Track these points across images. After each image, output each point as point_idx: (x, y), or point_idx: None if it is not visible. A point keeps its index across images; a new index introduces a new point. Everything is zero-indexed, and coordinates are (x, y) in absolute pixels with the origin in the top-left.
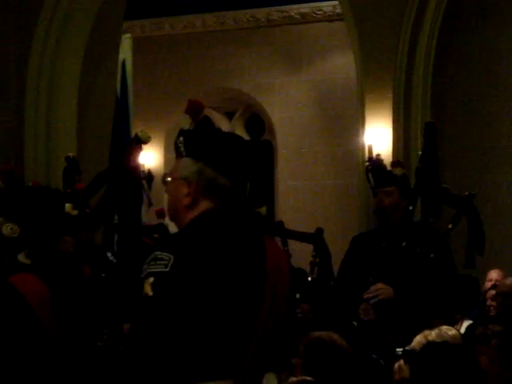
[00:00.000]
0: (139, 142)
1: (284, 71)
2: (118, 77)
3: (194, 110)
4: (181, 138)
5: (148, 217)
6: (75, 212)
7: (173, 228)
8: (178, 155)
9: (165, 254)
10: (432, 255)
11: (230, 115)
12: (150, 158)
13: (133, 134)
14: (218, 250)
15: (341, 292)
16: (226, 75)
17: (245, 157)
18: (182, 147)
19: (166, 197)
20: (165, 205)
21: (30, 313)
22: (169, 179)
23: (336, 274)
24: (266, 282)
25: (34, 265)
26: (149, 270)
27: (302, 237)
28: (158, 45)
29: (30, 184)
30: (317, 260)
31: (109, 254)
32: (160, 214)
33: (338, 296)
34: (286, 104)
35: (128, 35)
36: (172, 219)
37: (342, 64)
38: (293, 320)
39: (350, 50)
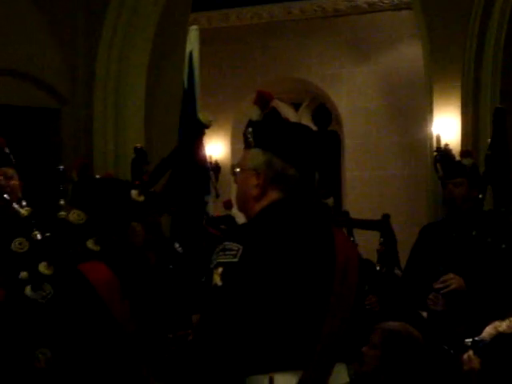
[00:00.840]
0: (201, 126)
1: (351, 61)
2: (185, 68)
3: (263, 100)
4: (249, 129)
5: (215, 208)
6: (141, 198)
7: (240, 219)
8: (247, 146)
9: (234, 244)
10: (503, 246)
11: (296, 106)
12: (217, 149)
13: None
14: (287, 240)
15: (410, 282)
16: (293, 66)
17: (313, 147)
18: (250, 138)
19: (233, 188)
20: (232, 196)
21: (99, 301)
22: (237, 170)
23: (404, 264)
24: (335, 272)
25: (103, 252)
26: (218, 261)
27: (368, 224)
28: (224, 36)
29: (100, 176)
30: (384, 248)
31: (176, 245)
32: (227, 205)
33: (407, 286)
34: (353, 94)
35: (195, 27)
36: (240, 210)
37: (409, 53)
38: (362, 310)
39: (418, 39)
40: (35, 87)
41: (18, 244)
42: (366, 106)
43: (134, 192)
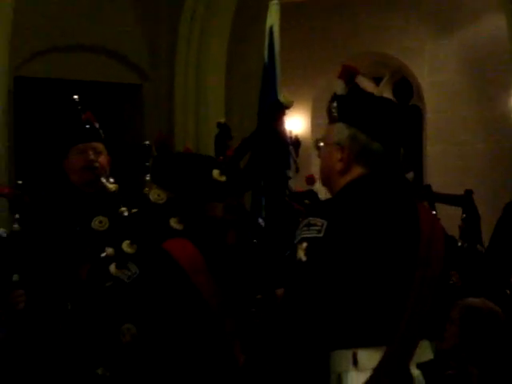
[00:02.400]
0: (282, 107)
1: (432, 34)
2: (266, 43)
3: (348, 74)
4: (334, 104)
5: (295, 183)
6: (223, 178)
7: (322, 195)
8: (331, 120)
9: (318, 219)
10: None
11: (377, 80)
12: (297, 123)
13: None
14: (372, 215)
15: (494, 259)
16: (374, 39)
17: (398, 122)
18: (335, 112)
19: (313, 163)
20: (312, 171)
21: (184, 278)
22: (321, 144)
23: (488, 241)
24: (419, 247)
25: (186, 230)
26: (302, 236)
27: (450, 199)
28: (304, 10)
29: (180, 151)
30: (466, 224)
31: (260, 220)
32: (310, 180)
33: (491, 263)
34: (435, 68)
35: (275, 1)
36: (324, 184)
37: (492, 26)
38: (446, 287)
39: (501, 11)
40: (118, 63)
41: (97, 222)
42: (448, 79)
43: (215, 172)
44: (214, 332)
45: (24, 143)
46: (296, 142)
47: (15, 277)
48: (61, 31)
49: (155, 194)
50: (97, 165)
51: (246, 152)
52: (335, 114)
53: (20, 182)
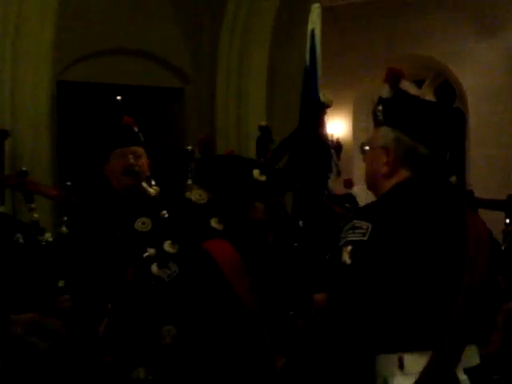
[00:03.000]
0: (322, 106)
1: (475, 36)
2: (307, 46)
3: (394, 78)
4: (379, 107)
5: (335, 186)
6: (263, 178)
7: (361, 198)
8: (377, 124)
9: (363, 222)
10: None
11: (419, 83)
12: (339, 127)
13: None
14: (417, 218)
15: None
16: (415, 42)
17: (444, 125)
18: (380, 116)
19: (355, 166)
20: (353, 175)
21: (223, 279)
22: (367, 148)
23: None
24: (466, 251)
25: (226, 231)
26: (347, 239)
27: (492, 204)
28: (346, 13)
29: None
30: (510, 228)
31: (300, 223)
32: (348, 183)
33: None
34: (478, 70)
35: (317, 5)
36: (370, 188)
37: None
38: (494, 291)
39: None
40: (160, 67)
41: (141, 224)
42: (491, 81)
43: (255, 171)
44: (250, 334)
45: (67, 148)
46: (337, 146)
47: (61, 283)
48: (103, 36)
49: (197, 194)
50: (137, 169)
51: (285, 152)
52: (380, 118)
53: (69, 183)
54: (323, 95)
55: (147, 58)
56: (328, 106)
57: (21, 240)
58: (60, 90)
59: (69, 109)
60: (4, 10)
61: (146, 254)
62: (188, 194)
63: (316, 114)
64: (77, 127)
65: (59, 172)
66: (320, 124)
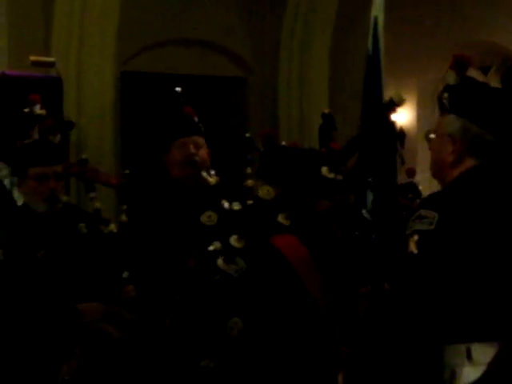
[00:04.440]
0: (393, 105)
1: None
2: (370, 34)
3: (461, 65)
4: (445, 94)
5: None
6: (331, 175)
7: (423, 187)
8: (443, 111)
9: (430, 211)
10: None
11: (484, 70)
12: (402, 115)
13: (384, 92)
14: (485, 208)
15: None
16: (481, 28)
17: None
18: (446, 103)
19: (419, 155)
20: (417, 163)
21: (292, 274)
22: (432, 136)
23: None
24: None
25: (294, 226)
26: (414, 228)
27: None
28: (408, 0)
29: (286, 144)
30: None
31: (364, 212)
32: (410, 172)
33: None
34: None
35: None
36: (435, 176)
37: None
38: None
39: None
40: (223, 57)
41: (207, 217)
42: None
43: (324, 169)
44: (319, 326)
45: (131, 137)
46: (401, 134)
47: (125, 274)
48: (167, 26)
49: (264, 190)
50: (197, 158)
51: (355, 150)
52: (446, 105)
53: (127, 171)
54: (395, 93)
55: (210, 48)
56: (399, 105)
57: (84, 230)
58: (124, 80)
59: (132, 99)
60: (69, 3)
61: (212, 248)
62: (248, 183)
63: (386, 111)
64: (140, 117)
65: (123, 162)
66: (389, 123)
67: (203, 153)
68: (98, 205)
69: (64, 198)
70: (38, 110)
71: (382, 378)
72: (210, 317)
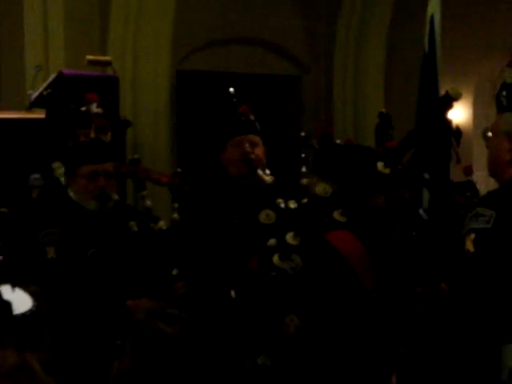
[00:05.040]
0: (449, 100)
1: None
2: (426, 32)
3: None
4: (503, 92)
5: (454, 174)
6: (387, 170)
7: (481, 185)
8: (500, 109)
9: (486, 210)
10: None
11: None
12: (459, 113)
13: (440, 90)
14: None
15: None
16: None
17: None
18: (504, 101)
19: (475, 153)
20: (473, 161)
21: (349, 271)
22: (489, 134)
23: None
24: None
25: (349, 223)
26: (470, 227)
27: None
28: None
29: (341, 142)
30: None
31: (420, 211)
32: (467, 171)
33: None
34: None
35: None
36: (492, 175)
37: None
38: None
39: None
40: (277, 56)
41: (265, 216)
42: None
43: (380, 164)
44: (374, 324)
45: (186, 136)
46: (457, 132)
47: (175, 271)
48: (221, 25)
49: (321, 188)
50: (253, 157)
51: (410, 146)
52: (504, 103)
53: (179, 169)
54: (451, 88)
55: (264, 47)
56: (456, 100)
57: (134, 228)
58: (179, 79)
59: (188, 98)
60: (125, 2)
61: (268, 244)
62: (303, 182)
63: (443, 107)
64: (196, 116)
65: (178, 161)
66: (445, 118)
67: (259, 151)
68: (148, 203)
69: (115, 197)
70: (94, 108)
71: (439, 378)
72: (266, 314)
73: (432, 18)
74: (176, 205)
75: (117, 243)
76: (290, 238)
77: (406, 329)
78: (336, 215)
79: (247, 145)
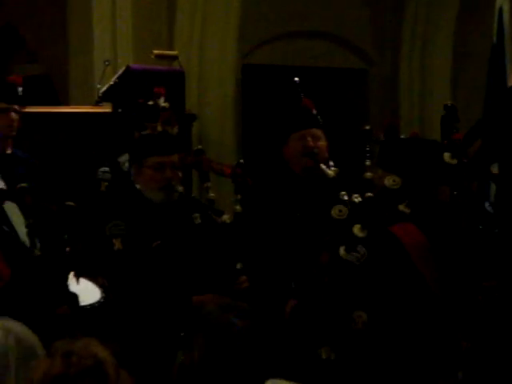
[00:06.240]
0: None
1: None
2: (495, 24)
3: None
4: None
5: None
6: (454, 161)
7: None
8: None
9: None
10: None
11: None
12: None
13: (509, 81)
14: None
15: None
16: None
17: None
18: None
19: None
20: None
21: (410, 263)
22: None
23: None
24: None
25: (414, 214)
26: None
27: None
28: None
29: (406, 136)
30: None
31: (486, 204)
32: None
33: None
34: None
35: None
36: None
37: None
38: None
39: None
40: (343, 48)
41: (337, 211)
42: None
43: (446, 155)
44: (437, 319)
45: (252, 130)
46: None
47: (239, 265)
48: (287, 18)
49: (390, 180)
50: (316, 151)
51: (477, 137)
52: None
53: (242, 160)
54: None
55: (330, 40)
56: None
57: (198, 220)
58: (245, 73)
59: (253, 92)
60: None
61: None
62: (368, 176)
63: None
64: (261, 110)
65: (243, 154)
66: None
67: (322, 145)
68: (212, 195)
69: (180, 189)
70: (161, 102)
71: (505, 375)
72: (334, 309)
73: (501, 9)
74: (239, 196)
75: (181, 235)
76: (357, 230)
77: (469, 324)
78: (401, 207)
79: (310, 138)
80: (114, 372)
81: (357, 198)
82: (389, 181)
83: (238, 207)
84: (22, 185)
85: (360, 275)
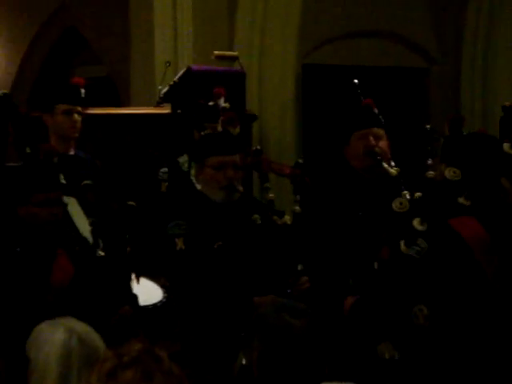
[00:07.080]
0: None
1: None
2: None
3: None
4: None
5: None
6: None
7: None
8: None
9: None
10: None
11: None
12: None
13: None
14: None
15: None
16: None
17: None
18: None
19: None
20: None
21: (470, 256)
22: None
23: None
24: None
25: (474, 207)
26: None
27: None
28: None
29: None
30: None
31: None
32: None
33: None
34: None
35: None
36: None
37: None
38: None
39: None
40: (404, 48)
41: (398, 204)
42: None
43: (506, 145)
44: (496, 315)
45: (312, 130)
46: None
47: (300, 266)
48: (348, 17)
49: (451, 172)
50: (377, 150)
51: None
52: None
53: (301, 160)
54: None
55: (391, 39)
56: None
57: (258, 221)
58: (305, 73)
59: (314, 92)
60: None
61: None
62: (429, 174)
63: None
64: (321, 110)
65: (304, 154)
66: None
67: (383, 144)
68: (271, 196)
69: (240, 188)
70: (222, 103)
71: None
72: (395, 304)
73: None
74: (298, 197)
75: (242, 236)
76: (416, 223)
77: None
78: (461, 199)
79: (371, 138)
80: (167, 357)
81: (407, 195)
82: (449, 172)
83: (297, 208)
84: (86, 182)
85: (421, 269)
